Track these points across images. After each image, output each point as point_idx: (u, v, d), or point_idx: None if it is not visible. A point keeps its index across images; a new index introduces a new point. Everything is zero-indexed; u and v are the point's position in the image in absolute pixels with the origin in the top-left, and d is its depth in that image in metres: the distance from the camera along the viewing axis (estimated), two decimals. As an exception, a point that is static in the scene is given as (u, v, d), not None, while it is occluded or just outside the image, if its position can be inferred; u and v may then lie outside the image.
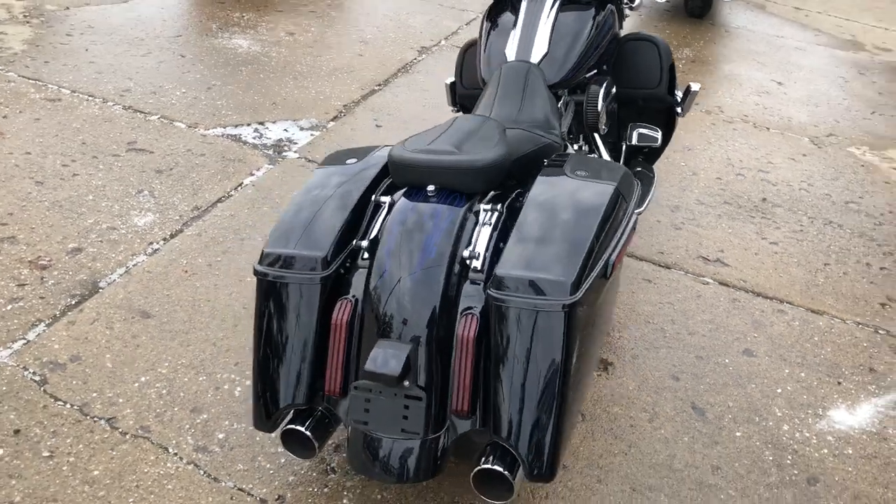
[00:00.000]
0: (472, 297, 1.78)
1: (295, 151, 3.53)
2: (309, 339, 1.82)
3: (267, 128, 3.69)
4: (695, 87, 2.80)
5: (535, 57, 2.50)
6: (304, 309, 1.83)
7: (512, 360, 1.66)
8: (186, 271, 2.71)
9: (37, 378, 2.23)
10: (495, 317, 1.68)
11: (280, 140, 3.60)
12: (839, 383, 2.59)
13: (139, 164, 3.28)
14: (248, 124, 3.70)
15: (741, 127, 4.31)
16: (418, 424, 1.72)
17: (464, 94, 3.01)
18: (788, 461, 2.27)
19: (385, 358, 1.69)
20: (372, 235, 1.89)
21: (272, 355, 1.85)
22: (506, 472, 1.66)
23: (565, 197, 1.85)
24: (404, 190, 1.94)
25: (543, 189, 1.89)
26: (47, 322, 2.43)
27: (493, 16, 2.71)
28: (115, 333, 2.42)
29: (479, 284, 1.78)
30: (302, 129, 3.72)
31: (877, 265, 3.27)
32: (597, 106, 2.63)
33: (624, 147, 2.91)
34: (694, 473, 2.19)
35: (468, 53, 2.97)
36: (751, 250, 3.25)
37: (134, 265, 2.71)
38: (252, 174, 3.31)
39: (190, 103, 3.82)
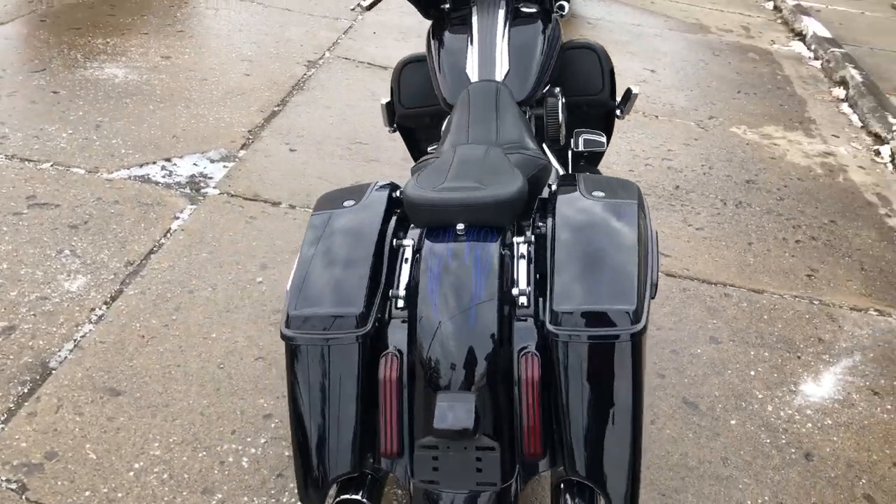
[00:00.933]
0: (522, 335, 1.73)
1: (214, 187, 3.31)
2: (353, 402, 1.71)
3: (175, 164, 3.43)
4: (635, 89, 2.88)
5: (499, 75, 2.47)
6: (344, 371, 1.71)
7: (583, 395, 1.64)
8: (143, 336, 2.47)
9: (14, 486, 1.97)
10: (561, 353, 1.65)
11: (193, 176, 3.36)
12: (799, 357, 2.78)
13: (48, 220, 2.96)
14: (154, 162, 3.43)
15: (633, 118, 4.49)
16: (494, 475, 1.66)
17: (405, 114, 2.94)
18: (783, 441, 2.41)
19: (454, 412, 1.61)
20: (402, 283, 1.79)
21: (314, 424, 1.72)
22: None
23: (594, 220, 1.83)
24: (424, 231, 1.85)
25: (569, 214, 1.86)
26: (3, 418, 2.14)
27: (439, 34, 2.66)
28: (88, 419, 2.17)
29: (525, 321, 1.74)
30: (213, 161, 3.49)
31: (791, 239, 3.52)
32: (558, 118, 2.65)
33: (570, 154, 2.95)
34: (709, 469, 2.27)
35: (406, 72, 2.89)
36: (682, 238, 3.40)
37: (82, 337, 2.44)
38: (177, 217, 3.07)
39: (82, 145, 3.48)
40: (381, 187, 2.06)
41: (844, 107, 5.17)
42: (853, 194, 4.03)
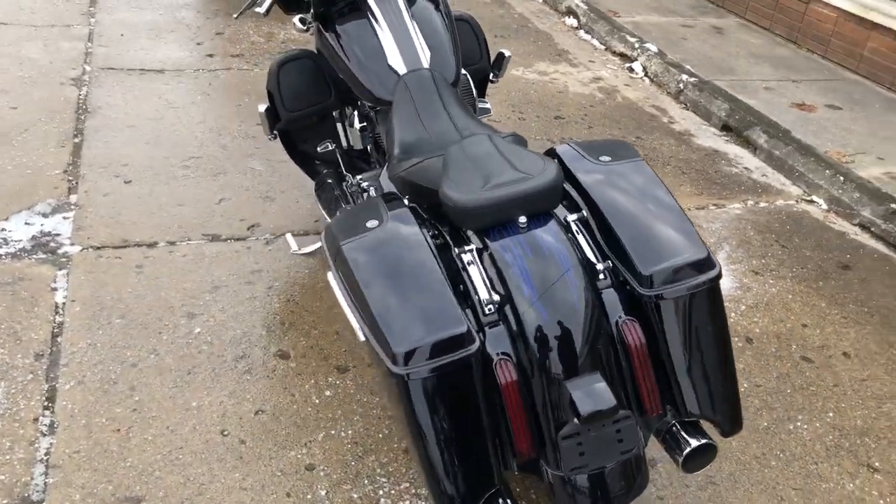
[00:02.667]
0: (610, 306, 1.83)
1: (71, 244, 2.86)
2: (482, 419, 1.71)
3: (4, 229, 2.90)
4: (507, 53, 2.99)
5: (425, 61, 2.44)
6: (466, 390, 1.69)
7: (690, 343, 1.80)
8: (119, 430, 2.14)
9: None
10: (664, 310, 1.77)
11: (36, 237, 2.87)
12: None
13: None
14: (-25, 234, 2.87)
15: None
16: (633, 440, 1.77)
17: (291, 118, 2.78)
18: (726, 333, 2.77)
19: (594, 395, 1.68)
20: (484, 288, 1.79)
21: (449, 452, 1.69)
22: (713, 441, 1.82)
23: (623, 184, 1.96)
24: (480, 234, 1.85)
25: (596, 182, 1.96)
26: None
27: (334, 30, 2.54)
28: (126, 539, 1.87)
29: (606, 290, 1.83)
30: (46, 215, 3.00)
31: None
32: (472, 95, 2.70)
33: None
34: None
35: (284, 74, 2.73)
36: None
37: (47, 454, 2.05)
38: (54, 289, 2.63)
39: None
40: (388, 199, 1.99)
41: (582, 34, 5.74)
42: (637, 110, 4.57)
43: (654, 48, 5.21)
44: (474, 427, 1.70)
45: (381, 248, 1.83)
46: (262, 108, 2.83)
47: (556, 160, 1.99)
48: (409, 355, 1.63)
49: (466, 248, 1.84)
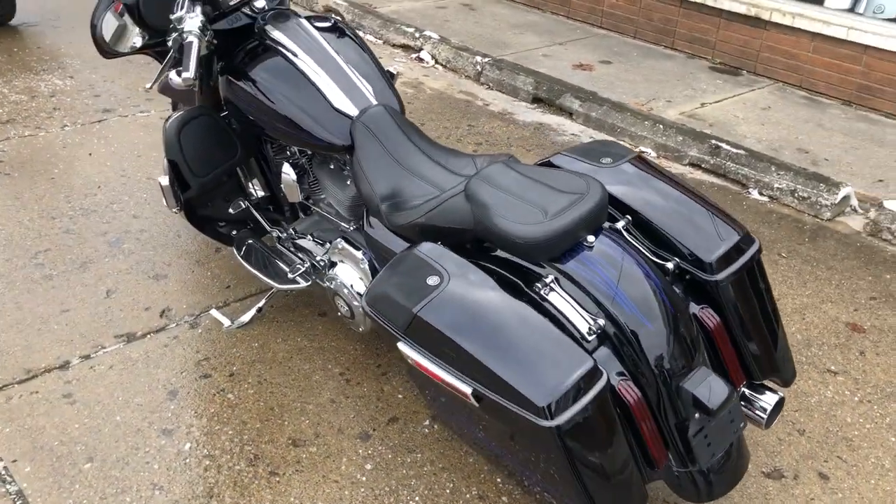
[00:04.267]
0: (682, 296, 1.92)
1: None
2: (625, 440, 1.73)
3: None
4: (393, 70, 2.91)
5: (372, 98, 2.32)
6: (609, 419, 1.70)
7: (751, 314, 1.95)
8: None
9: None
10: (734, 290, 1.90)
11: None
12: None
13: None
14: None
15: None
16: (741, 416, 1.89)
17: (204, 182, 2.49)
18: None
19: (713, 389, 1.78)
20: (581, 315, 1.79)
21: (608, 486, 1.70)
22: (783, 395, 2.00)
23: (640, 182, 2.04)
24: (551, 263, 1.84)
25: (619, 183, 2.02)
26: None
27: (255, 79, 2.31)
28: None
29: (673, 282, 1.92)
30: None
31: (473, 150, 4.01)
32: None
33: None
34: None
35: (186, 136, 2.44)
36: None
37: None
38: (-21, 454, 2.13)
39: None
40: (431, 252, 1.89)
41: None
42: (450, 99, 4.67)
43: (435, 35, 5.32)
44: (625, 453, 1.72)
45: (465, 304, 1.75)
46: (164, 180, 2.50)
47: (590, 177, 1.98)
48: (555, 406, 1.60)
49: (546, 280, 1.81)
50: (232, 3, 2.37)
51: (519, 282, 1.85)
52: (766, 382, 2.03)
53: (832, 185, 3.67)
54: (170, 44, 2.20)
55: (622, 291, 1.80)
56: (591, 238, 1.86)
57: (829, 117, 4.58)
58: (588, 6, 5.97)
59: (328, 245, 2.48)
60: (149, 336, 2.62)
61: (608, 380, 1.67)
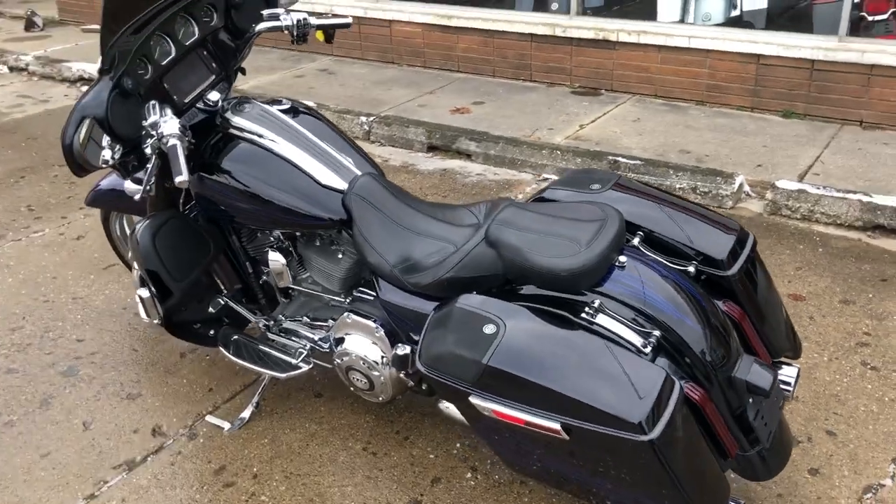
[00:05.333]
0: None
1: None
2: (702, 441, 1.85)
3: None
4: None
5: (354, 168, 2.34)
6: (689, 422, 1.82)
7: (762, 299, 2.13)
8: None
9: None
10: (747, 279, 2.08)
11: None
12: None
13: None
14: None
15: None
16: (780, 392, 2.06)
17: (185, 288, 2.40)
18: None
19: (761, 373, 1.93)
20: (631, 333, 1.89)
21: (700, 484, 1.80)
22: (797, 366, 2.18)
23: (634, 200, 2.19)
24: (590, 287, 1.93)
25: (619, 203, 2.15)
26: None
27: (232, 172, 2.27)
28: None
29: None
30: None
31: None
32: None
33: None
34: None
35: (162, 241, 2.36)
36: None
37: None
38: None
39: None
40: (474, 302, 1.95)
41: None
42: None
43: (311, 103, 5.34)
44: (706, 450, 1.83)
45: (530, 344, 1.82)
46: (144, 293, 2.39)
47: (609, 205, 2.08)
48: (648, 420, 1.68)
49: (594, 304, 1.90)
50: (187, 101, 2.32)
51: (564, 313, 1.93)
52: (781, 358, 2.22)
53: (727, 176, 4.03)
54: (148, 151, 2.13)
55: (662, 299, 1.92)
56: (622, 258, 1.97)
57: (691, 118, 5.02)
58: (442, 54, 6.21)
59: (330, 322, 2.44)
60: (150, 458, 2.46)
61: (680, 386, 1.78)
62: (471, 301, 1.95)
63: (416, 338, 2.19)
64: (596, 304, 1.90)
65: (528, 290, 2.01)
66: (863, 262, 3.43)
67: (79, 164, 2.06)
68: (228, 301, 2.62)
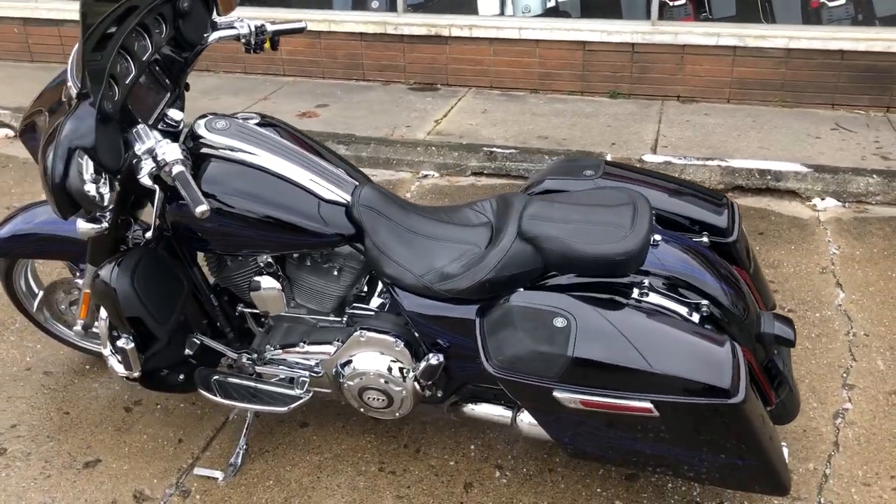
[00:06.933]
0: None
1: None
2: (756, 395, 2.01)
3: None
4: None
5: (351, 179, 2.22)
6: (756, 383, 1.99)
7: (752, 256, 2.34)
8: None
9: None
10: (736, 245, 2.27)
11: None
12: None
13: None
14: None
15: None
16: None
17: (170, 327, 2.15)
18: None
19: (782, 323, 2.13)
20: (682, 307, 2.01)
21: (770, 438, 1.94)
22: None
23: (632, 182, 2.30)
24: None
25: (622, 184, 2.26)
26: None
27: (210, 193, 2.05)
28: None
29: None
30: None
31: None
32: None
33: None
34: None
35: (141, 281, 2.10)
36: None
37: None
38: None
39: None
40: (530, 298, 1.99)
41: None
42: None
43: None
44: (762, 404, 1.98)
45: (604, 329, 1.89)
46: (128, 344, 2.11)
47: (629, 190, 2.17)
48: (733, 385, 1.80)
49: (644, 285, 1.98)
50: (150, 123, 2.06)
51: (614, 297, 1.99)
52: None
53: (598, 156, 4.29)
54: (147, 182, 1.87)
55: (699, 270, 2.05)
56: (657, 237, 2.07)
57: (533, 106, 5.28)
58: (263, 58, 5.97)
59: (336, 345, 2.28)
60: (150, 527, 2.18)
61: (741, 349, 1.91)
62: (528, 298, 1.94)
63: (442, 345, 2.14)
64: (646, 284, 1.98)
65: (567, 279, 2.05)
66: (736, 220, 3.84)
67: (73, 203, 1.76)
68: (203, 339, 2.37)
